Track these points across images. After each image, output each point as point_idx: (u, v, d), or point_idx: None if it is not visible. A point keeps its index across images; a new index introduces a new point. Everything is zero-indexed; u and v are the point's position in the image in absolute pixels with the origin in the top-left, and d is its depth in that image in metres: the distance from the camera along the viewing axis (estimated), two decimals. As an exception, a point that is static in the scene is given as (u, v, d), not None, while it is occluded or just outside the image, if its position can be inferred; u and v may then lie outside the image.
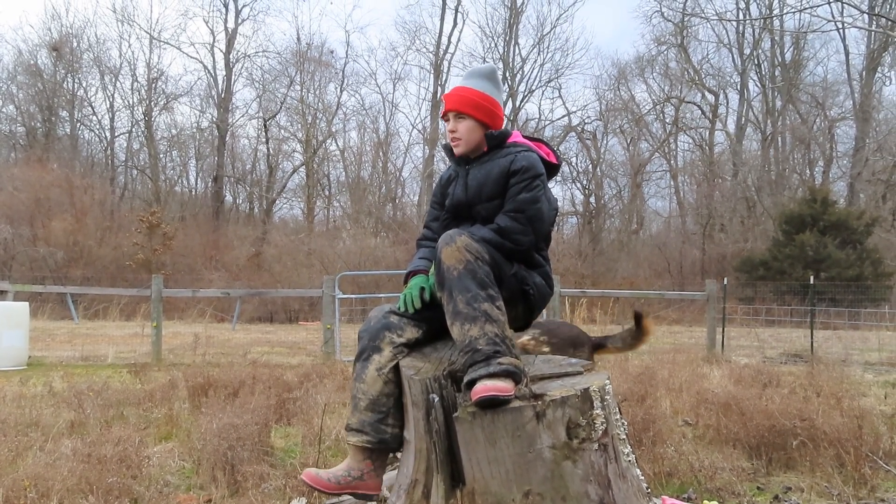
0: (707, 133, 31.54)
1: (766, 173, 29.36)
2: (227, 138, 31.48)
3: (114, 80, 31.21)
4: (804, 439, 3.46)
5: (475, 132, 2.45)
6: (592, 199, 31.86)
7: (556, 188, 29.58)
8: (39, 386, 5.97)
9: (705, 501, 2.97)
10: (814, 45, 30.56)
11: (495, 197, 2.38)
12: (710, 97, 31.29)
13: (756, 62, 30.63)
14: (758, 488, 3.24)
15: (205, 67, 32.38)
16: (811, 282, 13.59)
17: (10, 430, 3.97)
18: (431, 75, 31.96)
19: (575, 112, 33.10)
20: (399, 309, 2.39)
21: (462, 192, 2.46)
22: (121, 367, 7.63)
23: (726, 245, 26.86)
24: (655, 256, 28.65)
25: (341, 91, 32.44)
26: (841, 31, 26.31)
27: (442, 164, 28.45)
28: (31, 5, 46.17)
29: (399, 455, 2.47)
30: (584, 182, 32.22)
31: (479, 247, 2.21)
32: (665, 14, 30.71)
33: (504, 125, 2.56)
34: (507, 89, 30.94)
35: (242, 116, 32.85)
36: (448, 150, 2.53)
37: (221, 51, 31.74)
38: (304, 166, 31.37)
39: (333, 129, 32.10)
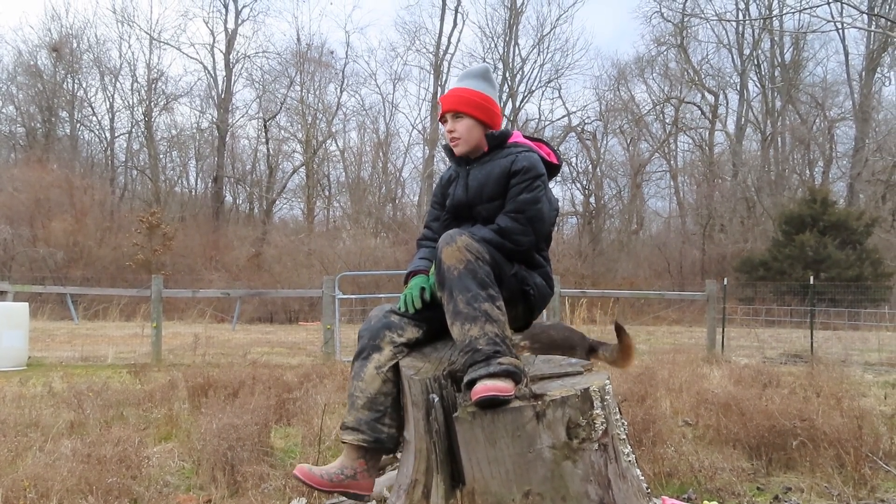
0: (707, 133, 31.58)
1: (766, 174, 29.37)
2: (227, 139, 31.51)
3: (114, 80, 31.27)
4: (804, 440, 3.46)
5: (474, 131, 2.45)
6: (592, 200, 31.89)
7: (556, 188, 29.52)
8: (39, 386, 5.96)
9: (705, 502, 2.97)
10: (813, 46, 30.64)
11: (496, 197, 2.38)
12: (710, 97, 31.33)
13: (756, 62, 30.66)
14: (758, 488, 3.24)
15: (205, 68, 32.44)
16: (811, 282, 13.59)
17: (9, 431, 3.97)
18: (431, 76, 32.01)
19: (575, 112, 33.16)
20: (399, 309, 2.39)
21: (462, 192, 2.46)
22: (121, 367, 7.63)
23: (726, 245, 26.86)
24: (655, 257, 28.65)
25: (341, 91, 32.50)
26: (840, 31, 26.34)
27: (442, 165, 28.46)
28: (31, 6, 46.25)
29: (397, 455, 2.47)
30: (584, 182, 32.26)
31: (479, 247, 2.21)
32: (665, 14, 30.77)
33: (503, 124, 2.56)
34: (507, 90, 30.96)
35: (242, 117, 32.91)
36: (448, 150, 2.53)
37: (221, 51, 31.78)
38: (304, 167, 31.38)
39: (333, 130, 32.15)
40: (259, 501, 2.91)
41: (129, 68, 31.64)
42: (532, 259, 2.42)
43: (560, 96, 47.13)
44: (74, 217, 24.14)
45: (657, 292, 18.21)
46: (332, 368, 6.60)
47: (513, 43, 31.90)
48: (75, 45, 30.85)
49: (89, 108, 31.46)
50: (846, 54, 28.83)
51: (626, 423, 2.32)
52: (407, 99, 59.73)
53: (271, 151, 32.05)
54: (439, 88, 30.91)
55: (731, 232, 28.05)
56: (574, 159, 31.82)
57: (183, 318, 17.78)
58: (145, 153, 31.70)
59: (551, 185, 2.59)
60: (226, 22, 32.24)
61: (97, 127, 31.81)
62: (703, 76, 31.20)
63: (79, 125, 31.50)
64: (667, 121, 31.88)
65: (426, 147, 31.34)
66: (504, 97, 30.78)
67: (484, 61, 31.22)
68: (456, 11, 31.73)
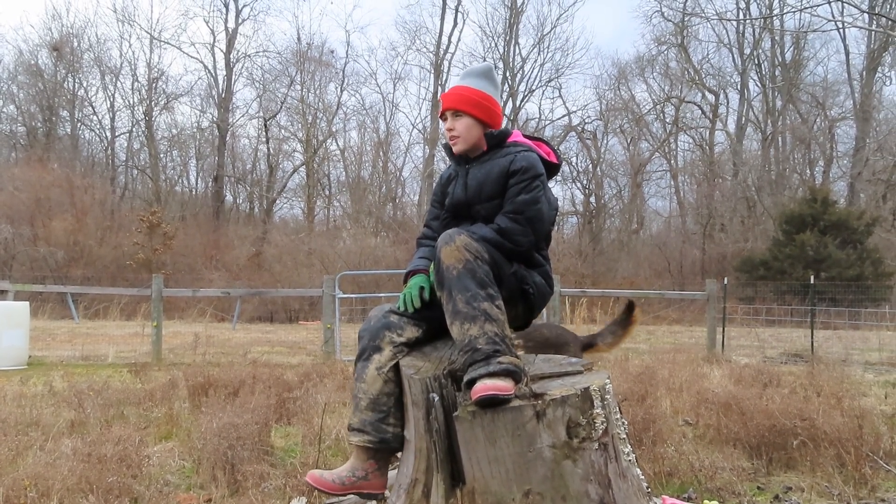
0: (707, 133, 31.56)
1: (767, 173, 29.35)
2: (228, 138, 31.51)
3: (114, 79, 31.28)
4: (804, 439, 3.46)
5: (473, 130, 2.44)
6: (592, 199, 31.89)
7: (556, 188, 29.62)
8: (40, 385, 5.97)
9: (705, 501, 2.97)
10: (814, 45, 30.59)
11: (495, 197, 2.38)
12: (711, 97, 31.31)
13: (756, 62, 30.63)
14: (758, 488, 3.24)
15: (205, 67, 32.44)
16: (811, 282, 13.59)
17: (10, 430, 3.97)
18: (432, 75, 31.99)
19: (575, 112, 33.15)
20: (399, 308, 2.39)
21: (462, 191, 2.46)
22: (121, 366, 7.63)
23: (726, 245, 26.85)
24: (655, 256, 28.64)
25: (341, 91, 32.49)
26: (841, 30, 26.33)
27: (442, 164, 28.45)
28: (32, 5, 46.23)
29: (398, 455, 2.47)
30: (585, 182, 32.26)
31: (478, 246, 2.21)
32: (665, 14, 30.75)
33: (503, 123, 2.56)
34: (508, 89, 30.94)
35: (243, 116, 32.92)
36: (448, 149, 2.53)
37: (222, 51, 31.78)
38: (304, 166, 31.39)
39: (334, 129, 32.14)
40: (259, 501, 2.91)
41: (130, 67, 31.70)
42: (531, 258, 2.42)
43: (560, 96, 47.06)
44: (75, 216, 24.14)
45: (657, 292, 18.22)
46: (333, 368, 6.60)
47: (513, 42, 31.92)
48: (76, 44, 30.89)
49: (90, 108, 31.52)
50: (847, 54, 28.84)
51: (626, 423, 2.32)
52: (407, 98, 59.71)
53: (272, 151, 32.08)
54: (439, 88, 30.91)
55: (732, 231, 28.05)
56: (574, 159, 31.86)
57: (183, 317, 17.79)
58: (146, 152, 31.72)
59: (551, 184, 2.58)
60: (226, 21, 32.29)
61: (98, 126, 31.87)
62: (703, 76, 31.20)
63: (79, 124, 31.53)
64: (667, 120, 31.90)
65: (426, 146, 31.35)
66: (504, 96, 30.76)
67: (485, 60, 31.21)
68: (456, 11, 31.75)
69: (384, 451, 2.36)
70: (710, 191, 29.35)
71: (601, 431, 2.03)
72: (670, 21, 30.73)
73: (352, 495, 2.46)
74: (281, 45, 46.03)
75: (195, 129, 32.34)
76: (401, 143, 33.88)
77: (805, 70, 30.49)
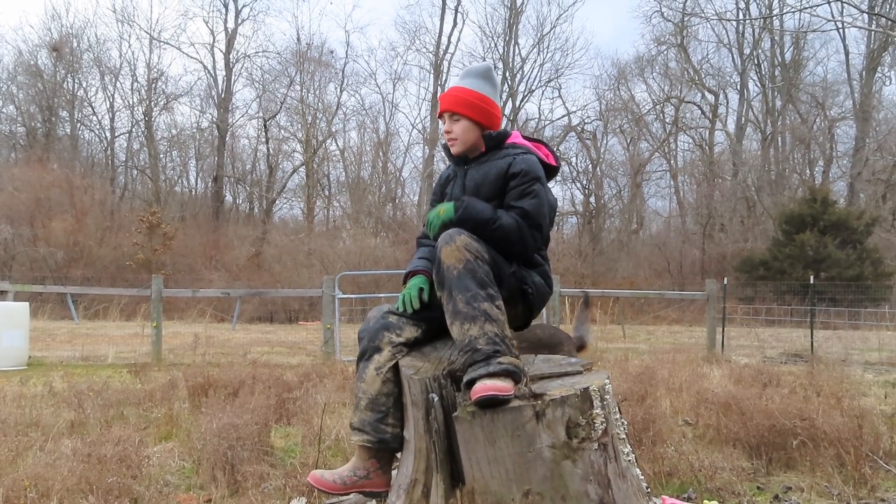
0: (707, 133, 31.57)
1: (766, 173, 29.36)
2: (227, 138, 31.51)
3: (114, 80, 31.28)
4: (804, 439, 3.46)
5: (471, 132, 2.45)
6: (592, 199, 31.90)
7: (556, 188, 29.55)
8: (39, 386, 5.97)
9: (705, 501, 2.97)
10: (814, 45, 30.61)
11: (492, 198, 2.37)
12: (710, 97, 31.33)
13: (756, 62, 30.65)
14: (758, 488, 3.24)
15: (205, 67, 32.45)
16: (811, 282, 13.59)
17: (10, 430, 3.97)
18: (431, 75, 32.00)
19: (575, 112, 33.17)
20: (398, 309, 2.39)
21: (460, 191, 2.45)
22: (121, 366, 7.63)
23: (726, 245, 26.86)
24: (655, 256, 28.65)
25: (341, 91, 32.50)
26: (841, 30, 26.34)
27: (442, 164, 28.45)
28: (32, 5, 46.23)
29: (397, 455, 2.47)
30: (584, 182, 32.26)
31: (478, 246, 2.21)
32: (665, 14, 30.77)
33: (503, 124, 2.55)
34: (507, 89, 30.94)
35: (242, 116, 32.92)
36: (447, 149, 2.53)
37: (221, 51, 31.78)
38: (303, 166, 31.39)
39: (333, 129, 32.15)
40: (259, 501, 2.91)
41: (130, 68, 31.70)
42: (530, 258, 2.42)
43: (560, 96, 47.18)
44: (75, 217, 24.14)
45: (657, 292, 18.22)
46: (332, 368, 6.60)
47: (513, 42, 31.93)
48: (75, 44, 30.88)
49: (89, 108, 31.52)
50: (846, 54, 28.85)
51: (625, 423, 2.32)
52: (407, 98, 59.85)
53: (271, 151, 32.08)
54: (439, 88, 30.91)
55: (732, 231, 28.05)
56: (574, 159, 31.87)
57: (183, 317, 17.79)
58: (145, 153, 31.73)
59: (550, 184, 2.59)
60: (226, 21, 32.29)
61: (97, 126, 31.87)
62: (703, 76, 31.21)
63: (79, 125, 31.54)
64: (667, 120, 31.91)
65: (426, 147, 31.35)
66: (504, 97, 30.77)
67: (484, 61, 31.20)
68: (456, 11, 31.76)
69: (385, 450, 2.37)
70: (709, 191, 29.36)
71: (601, 431, 2.03)
72: (670, 21, 30.78)
73: (352, 494, 2.46)
74: (280, 45, 46.04)
75: (195, 130, 32.38)
76: (400, 144, 33.94)
77: (805, 70, 30.53)
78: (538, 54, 32.13)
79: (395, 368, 2.31)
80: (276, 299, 19.70)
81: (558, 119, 33.09)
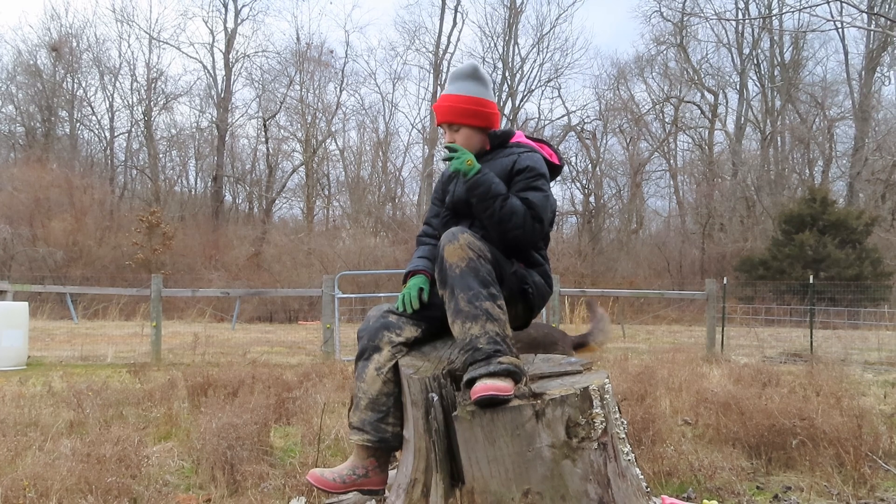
0: (706, 133, 31.56)
1: (766, 173, 29.36)
2: (227, 138, 31.49)
3: (113, 80, 31.25)
4: (804, 439, 3.46)
5: (473, 138, 2.46)
6: (592, 199, 31.87)
7: (555, 188, 29.44)
8: (39, 386, 5.96)
9: (705, 501, 2.97)
10: (813, 45, 30.68)
11: None
12: (710, 97, 31.32)
13: (755, 62, 30.66)
14: (757, 487, 3.24)
15: (204, 67, 32.45)
16: (811, 281, 13.59)
17: (9, 430, 3.97)
18: (431, 75, 31.99)
19: (574, 112, 33.23)
20: (397, 309, 2.39)
21: (463, 189, 2.46)
22: (120, 366, 7.63)
23: (726, 244, 26.87)
24: (655, 256, 28.66)
25: (341, 91, 32.48)
26: (840, 30, 26.36)
27: (442, 164, 28.41)
28: (31, 5, 46.16)
29: (397, 455, 2.47)
30: (584, 181, 32.24)
31: (481, 245, 2.21)
32: (664, 14, 30.77)
33: (502, 121, 2.56)
34: (507, 89, 30.95)
35: (242, 116, 32.91)
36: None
37: (221, 51, 31.76)
38: (303, 166, 31.37)
39: (333, 129, 32.13)
40: (259, 500, 2.91)
41: (129, 68, 31.67)
42: (531, 257, 2.42)
43: (560, 95, 47.27)
44: (74, 216, 24.13)
45: (657, 291, 18.23)
46: (332, 367, 6.60)
47: (512, 42, 31.91)
48: (75, 44, 30.85)
49: (89, 108, 31.48)
50: (846, 53, 28.86)
51: (625, 422, 2.32)
52: (406, 98, 59.83)
53: (271, 151, 32.05)
54: (439, 88, 30.89)
55: (731, 231, 28.06)
56: (574, 158, 31.83)
57: (182, 317, 17.78)
58: (145, 152, 31.70)
59: (551, 184, 2.59)
60: (225, 21, 32.27)
61: (97, 126, 31.84)
62: (702, 75, 31.21)
63: (78, 124, 31.51)
64: (666, 120, 31.89)
65: (426, 146, 31.36)
66: (504, 96, 30.79)
67: (483, 60, 31.22)
68: (455, 11, 31.76)
69: (384, 449, 2.37)
70: (709, 190, 29.37)
71: (600, 431, 2.03)
72: (669, 21, 30.77)
73: (351, 493, 2.46)
74: (280, 45, 46.08)
75: (194, 129, 32.35)
76: (400, 143, 33.96)
77: (804, 70, 30.54)
78: (538, 54, 32.18)
79: (395, 368, 2.31)
80: (275, 299, 19.70)
81: (558, 119, 33.14)
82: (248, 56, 32.23)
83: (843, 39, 28.52)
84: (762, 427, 3.61)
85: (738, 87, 30.79)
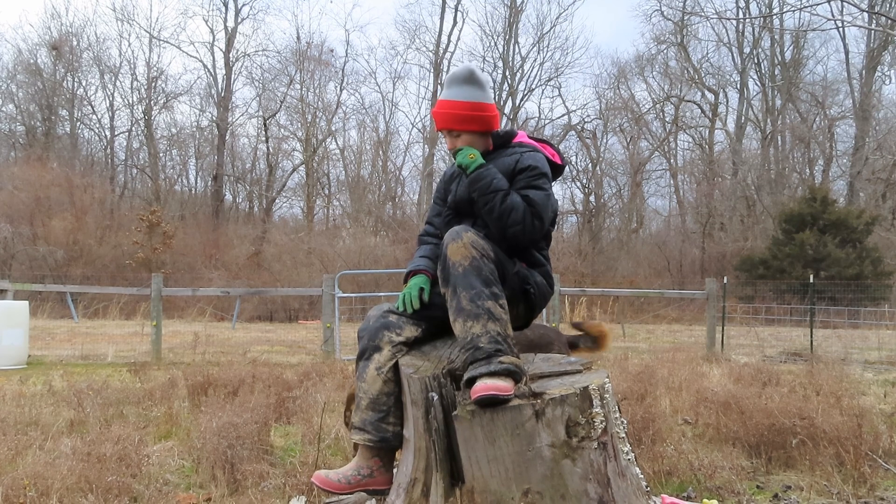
0: (707, 132, 31.55)
1: (766, 172, 29.35)
2: (227, 137, 31.47)
3: (113, 79, 31.23)
4: (804, 438, 3.46)
5: (475, 142, 2.46)
6: (592, 198, 31.86)
7: (556, 187, 29.36)
8: (39, 385, 5.97)
9: (705, 500, 2.97)
10: (813, 44, 30.68)
11: None
12: (710, 96, 31.30)
13: (756, 61, 30.63)
14: (757, 487, 3.24)
15: (204, 66, 32.43)
16: (811, 281, 13.59)
17: (9, 429, 3.97)
18: (431, 74, 31.97)
19: (575, 111, 33.18)
20: (398, 308, 2.39)
21: (465, 189, 2.45)
22: (120, 365, 7.63)
23: (726, 244, 26.86)
24: (655, 255, 28.64)
25: (341, 90, 32.47)
26: (841, 29, 26.34)
27: (442, 164, 28.45)
28: (31, 4, 46.11)
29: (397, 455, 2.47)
30: (584, 181, 32.22)
31: (485, 244, 2.21)
32: (665, 13, 30.75)
33: (502, 122, 2.56)
34: (507, 88, 30.93)
35: (242, 115, 32.89)
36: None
37: (221, 50, 31.74)
38: (303, 165, 31.36)
39: (333, 128, 32.12)
40: (259, 500, 2.91)
41: (129, 67, 31.67)
42: (532, 257, 2.42)
43: (560, 95, 47.09)
44: (74, 215, 24.13)
45: (657, 291, 18.23)
46: (332, 367, 6.60)
47: (513, 41, 31.89)
48: (75, 43, 30.84)
49: (89, 107, 31.47)
50: (846, 52, 28.83)
51: (625, 422, 2.32)
52: (407, 97, 59.79)
53: (271, 150, 32.04)
54: (439, 87, 30.87)
55: (731, 230, 28.05)
56: (574, 158, 31.81)
57: (183, 316, 17.79)
58: (145, 152, 31.70)
59: (553, 184, 2.59)
60: (225, 20, 32.25)
61: (97, 125, 31.83)
62: (703, 74, 31.18)
63: (79, 123, 31.49)
64: (667, 119, 31.87)
65: (426, 145, 31.34)
66: (504, 95, 30.78)
67: (483, 59, 31.24)
68: (456, 10, 31.73)
69: (387, 449, 2.37)
70: (709, 190, 29.36)
71: (600, 430, 2.03)
72: (670, 20, 30.76)
73: (354, 493, 2.47)
74: (280, 44, 46.10)
75: (194, 129, 32.34)
76: (400, 143, 33.95)
77: (804, 69, 30.51)
78: (538, 53, 32.16)
79: (396, 368, 2.32)
80: (275, 298, 19.69)
81: (558, 118, 33.10)
82: (249, 55, 32.25)
83: (843, 38, 28.53)
84: (762, 426, 3.61)
85: (738, 86, 30.79)
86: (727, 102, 31.47)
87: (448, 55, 31.96)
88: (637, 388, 4.88)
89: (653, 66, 31.91)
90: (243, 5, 32.13)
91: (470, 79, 2.45)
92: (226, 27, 31.99)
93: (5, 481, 2.82)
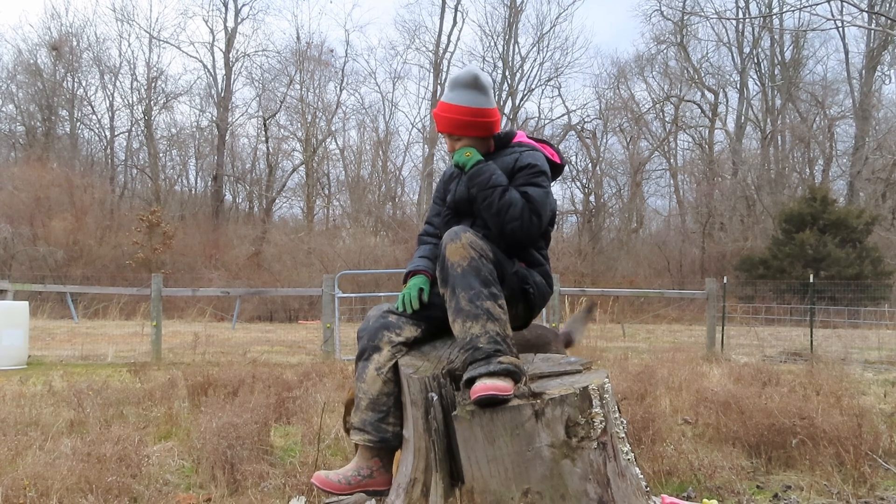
0: (707, 132, 31.55)
1: (766, 172, 29.35)
2: (227, 137, 31.48)
3: (113, 79, 31.25)
4: (804, 438, 3.46)
5: (476, 146, 2.46)
6: (592, 198, 31.87)
7: (555, 187, 29.50)
8: (39, 385, 5.97)
9: (705, 500, 2.97)
10: (813, 44, 30.67)
11: None
12: (710, 96, 31.31)
13: (756, 61, 30.63)
14: (757, 487, 3.24)
15: (204, 66, 32.44)
16: (811, 280, 13.59)
17: (9, 430, 3.97)
18: (431, 74, 31.99)
19: (575, 111, 33.24)
20: (397, 309, 2.39)
21: (465, 188, 2.45)
22: (120, 366, 7.63)
23: (726, 244, 26.86)
24: (655, 255, 28.65)
25: (341, 90, 32.48)
26: (840, 29, 26.34)
27: (442, 164, 28.45)
28: (31, 4, 46.14)
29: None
30: (584, 181, 32.24)
31: (483, 244, 2.21)
32: (665, 13, 30.76)
33: (503, 123, 2.56)
34: (507, 88, 30.93)
35: (242, 115, 32.90)
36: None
37: (221, 50, 31.76)
38: (303, 165, 31.37)
39: (333, 128, 32.13)
40: (259, 500, 2.91)
41: (129, 67, 31.67)
42: (531, 257, 2.42)
43: (560, 94, 47.18)
44: (74, 216, 24.13)
45: (657, 291, 18.22)
46: (332, 367, 6.60)
47: (512, 41, 31.90)
48: (75, 43, 30.84)
49: (89, 107, 31.48)
50: (846, 52, 28.84)
51: (625, 422, 2.32)
52: (407, 97, 59.84)
53: (271, 150, 32.04)
54: (439, 87, 30.87)
55: (731, 230, 28.05)
56: (574, 158, 31.83)
57: (183, 316, 17.79)
58: (145, 152, 31.71)
59: (552, 184, 2.59)
60: (225, 20, 32.27)
61: (97, 125, 31.84)
62: (702, 74, 31.19)
63: (79, 124, 31.50)
64: (667, 119, 31.88)
65: (426, 145, 31.35)
66: (504, 95, 30.78)
67: (483, 59, 31.23)
68: (456, 10, 31.74)
69: (386, 449, 2.37)
70: (709, 190, 29.36)
71: (600, 430, 2.03)
72: (670, 20, 30.77)
73: (354, 493, 2.47)
74: (280, 44, 46.10)
75: (194, 129, 32.35)
76: (400, 143, 33.97)
77: (804, 69, 30.52)
78: (538, 53, 32.18)
79: (395, 368, 2.31)
80: (275, 298, 19.69)
81: (558, 118, 33.13)
82: (249, 55, 32.26)
83: (843, 38, 28.54)
84: (762, 426, 3.61)
85: (738, 86, 30.81)
86: (727, 102, 31.53)
87: (448, 55, 32.00)
88: (637, 388, 4.88)
89: (653, 66, 31.96)
90: (243, 5, 32.19)
91: (473, 83, 2.43)
92: (226, 27, 32.04)
93: (5, 481, 2.82)
